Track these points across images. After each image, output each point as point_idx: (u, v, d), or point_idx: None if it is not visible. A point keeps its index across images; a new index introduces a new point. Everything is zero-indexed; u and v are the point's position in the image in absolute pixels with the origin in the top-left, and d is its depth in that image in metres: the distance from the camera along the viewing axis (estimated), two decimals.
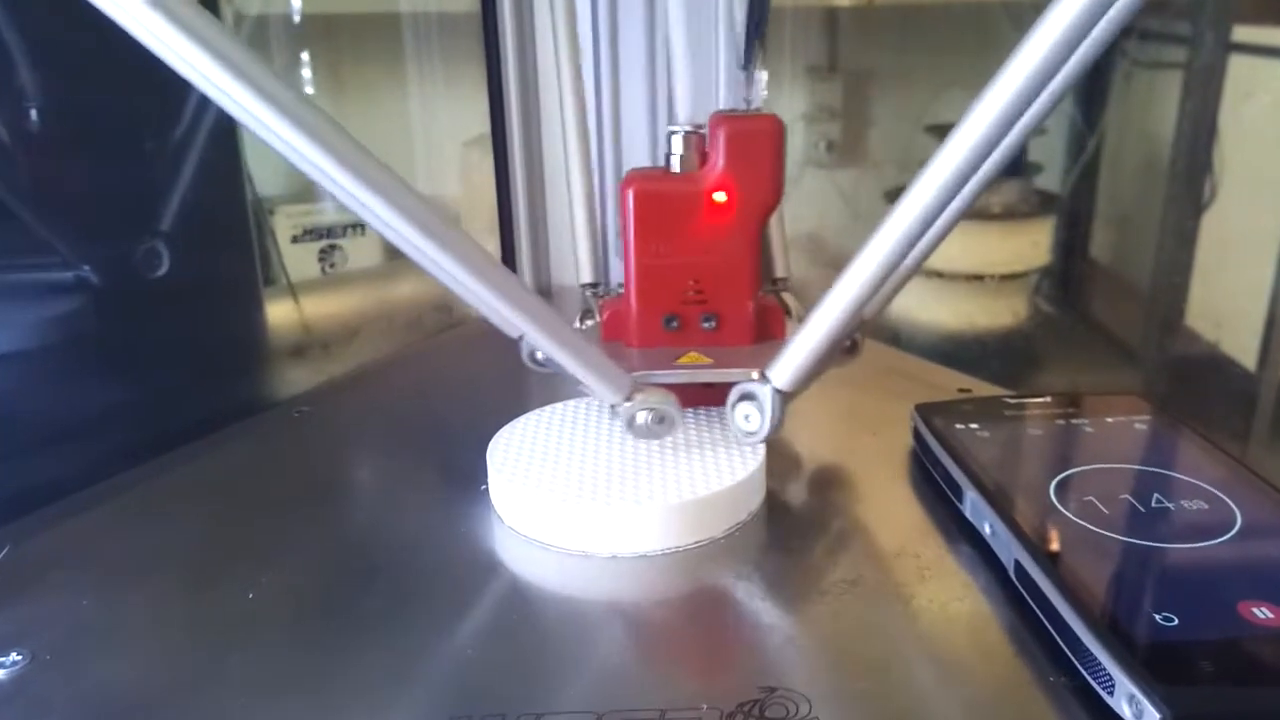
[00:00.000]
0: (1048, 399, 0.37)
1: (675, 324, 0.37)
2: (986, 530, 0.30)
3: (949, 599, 0.29)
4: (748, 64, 0.38)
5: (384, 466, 0.39)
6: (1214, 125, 0.88)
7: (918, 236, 0.28)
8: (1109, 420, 0.36)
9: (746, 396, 0.32)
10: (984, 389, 0.43)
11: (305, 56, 0.58)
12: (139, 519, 0.35)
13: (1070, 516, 0.29)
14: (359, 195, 0.26)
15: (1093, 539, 0.28)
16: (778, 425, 0.32)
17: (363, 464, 0.39)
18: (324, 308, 0.57)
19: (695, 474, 0.33)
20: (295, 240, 0.62)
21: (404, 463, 0.38)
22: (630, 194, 0.36)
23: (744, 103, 0.37)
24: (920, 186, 0.27)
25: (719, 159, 0.35)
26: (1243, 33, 0.86)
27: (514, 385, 0.45)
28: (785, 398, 0.32)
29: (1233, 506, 0.29)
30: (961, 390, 0.42)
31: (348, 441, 0.41)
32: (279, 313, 0.54)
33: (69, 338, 0.40)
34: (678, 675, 0.26)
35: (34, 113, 0.37)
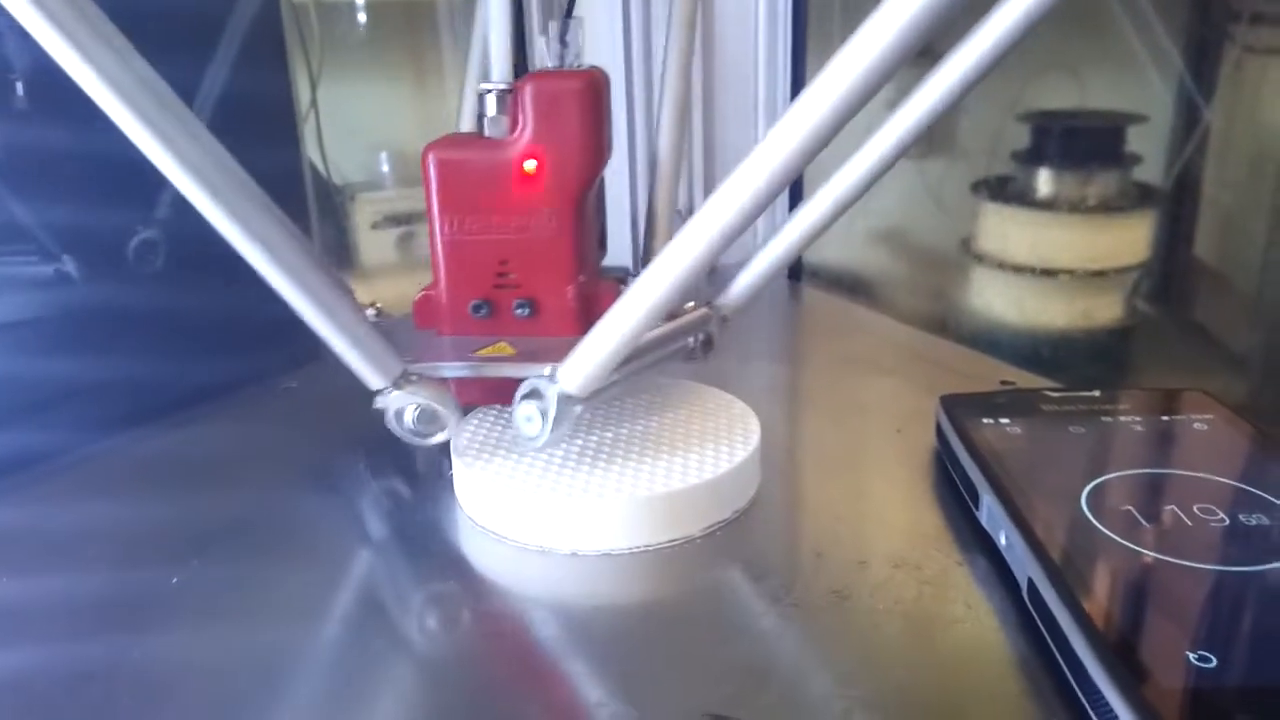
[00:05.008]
0: (1096, 393, 0.32)
1: (484, 311, 0.32)
2: (1002, 541, 0.26)
3: (946, 621, 0.24)
4: (567, 12, 0.33)
5: (360, 445, 0.36)
6: None
7: (739, 228, 0.23)
8: (1164, 419, 0.31)
9: (531, 394, 0.28)
10: (1036, 384, 0.37)
11: None
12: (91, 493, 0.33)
13: (1101, 529, 0.25)
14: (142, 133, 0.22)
15: (1124, 556, 0.23)
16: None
17: (335, 443, 0.36)
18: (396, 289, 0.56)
19: (674, 466, 0.29)
20: (374, 227, 0.63)
21: (383, 442, 0.36)
22: (430, 161, 0.31)
23: (557, 58, 0.32)
24: (743, 170, 0.23)
25: (526, 123, 0.31)
26: None
27: None
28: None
29: None
30: (1005, 383, 0.38)
31: (327, 420, 0.38)
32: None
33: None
34: (604, 694, 0.22)
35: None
